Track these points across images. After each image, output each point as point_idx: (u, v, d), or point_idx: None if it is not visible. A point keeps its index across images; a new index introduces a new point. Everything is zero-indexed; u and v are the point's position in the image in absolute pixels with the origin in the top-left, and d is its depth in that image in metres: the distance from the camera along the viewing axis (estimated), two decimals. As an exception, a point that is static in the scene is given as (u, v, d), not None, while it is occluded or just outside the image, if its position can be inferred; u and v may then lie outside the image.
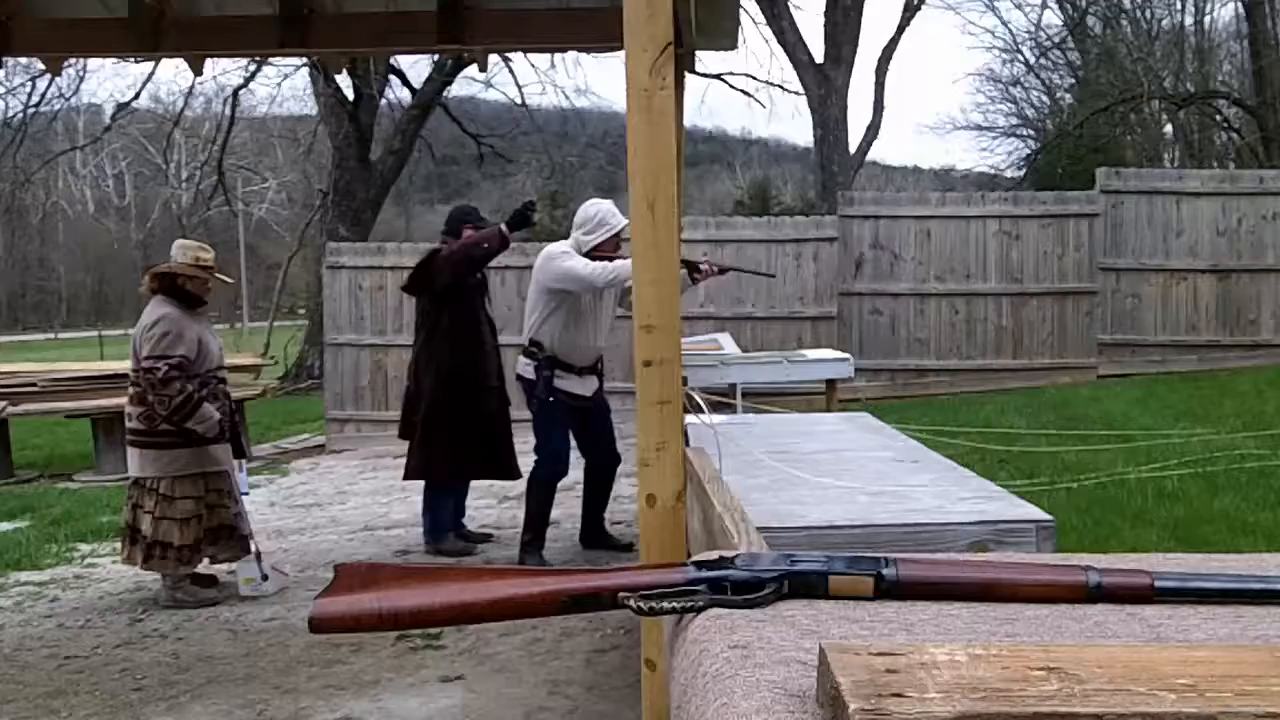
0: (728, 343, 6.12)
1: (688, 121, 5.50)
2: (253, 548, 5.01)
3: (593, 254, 5.02)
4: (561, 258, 5.05)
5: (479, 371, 5.48)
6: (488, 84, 19.06)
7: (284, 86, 51.77)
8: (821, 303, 10.88)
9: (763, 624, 0.89)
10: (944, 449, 3.66)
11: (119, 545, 5.10)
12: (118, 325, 37.53)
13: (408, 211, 32.41)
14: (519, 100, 18.22)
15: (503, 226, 5.25)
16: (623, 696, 3.52)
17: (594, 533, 5.52)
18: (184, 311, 4.88)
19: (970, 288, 10.92)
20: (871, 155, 19.60)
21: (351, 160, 15.90)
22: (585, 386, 5.22)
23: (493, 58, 8.86)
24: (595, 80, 79.62)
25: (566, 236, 5.26)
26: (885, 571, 0.96)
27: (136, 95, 20.46)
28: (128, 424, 4.94)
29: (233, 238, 37.77)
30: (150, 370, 4.73)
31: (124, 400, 5.04)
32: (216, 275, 5.12)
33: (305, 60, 14.61)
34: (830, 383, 5.99)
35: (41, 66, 11.27)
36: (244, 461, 5.02)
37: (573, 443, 5.31)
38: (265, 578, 4.96)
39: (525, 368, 5.20)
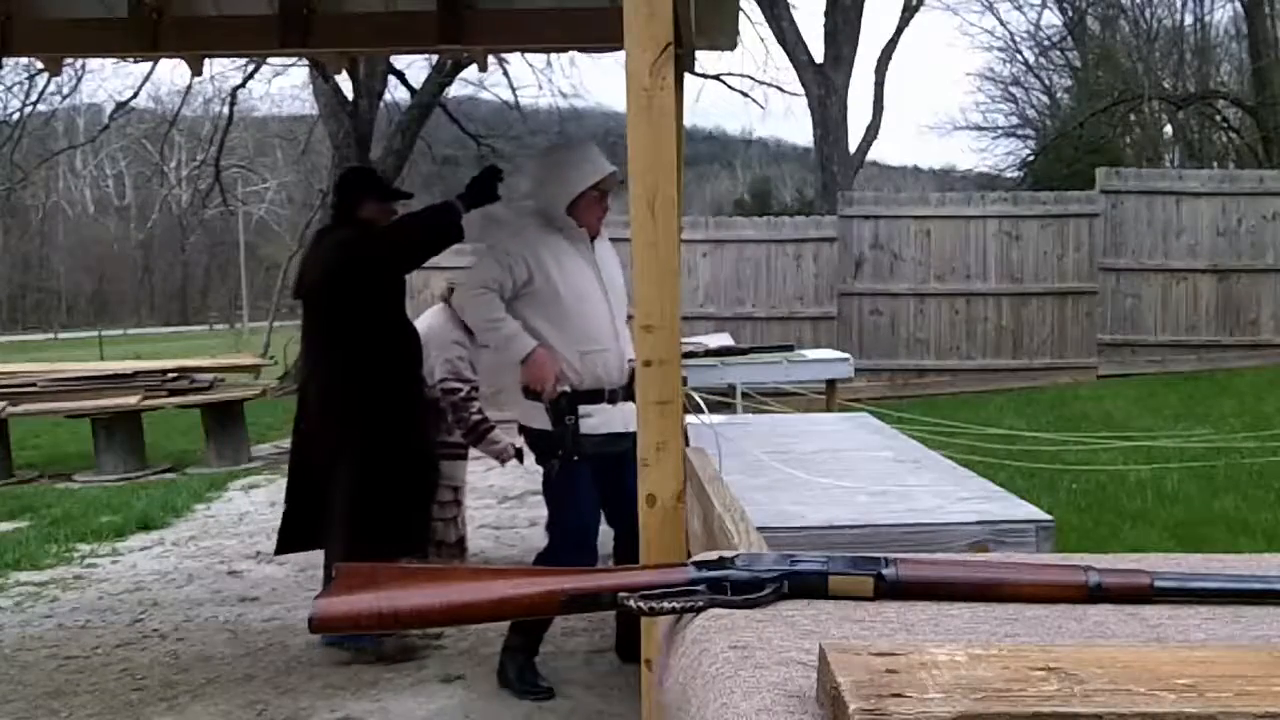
0: (728, 343, 6.12)
1: (687, 121, 5.47)
2: None
3: (573, 208, 3.56)
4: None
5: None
6: (480, 85, 19.07)
7: (279, 86, 51.73)
8: (821, 303, 10.89)
9: (763, 624, 0.89)
10: (944, 449, 3.66)
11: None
12: (117, 325, 37.59)
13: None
14: (513, 103, 18.25)
15: None
16: (623, 697, 3.52)
17: None
18: None
19: (970, 288, 10.94)
20: (871, 155, 19.60)
21: (351, 160, 15.90)
22: (622, 418, 3.37)
23: (492, 58, 8.85)
24: (590, 80, 79.71)
25: None
26: (885, 571, 0.96)
27: (135, 95, 20.54)
28: None
29: (232, 238, 37.83)
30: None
31: (124, 400, 5.03)
32: None
33: (301, 59, 14.60)
34: (830, 383, 5.99)
35: (40, 65, 11.26)
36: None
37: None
38: None
39: (532, 413, 3.54)
